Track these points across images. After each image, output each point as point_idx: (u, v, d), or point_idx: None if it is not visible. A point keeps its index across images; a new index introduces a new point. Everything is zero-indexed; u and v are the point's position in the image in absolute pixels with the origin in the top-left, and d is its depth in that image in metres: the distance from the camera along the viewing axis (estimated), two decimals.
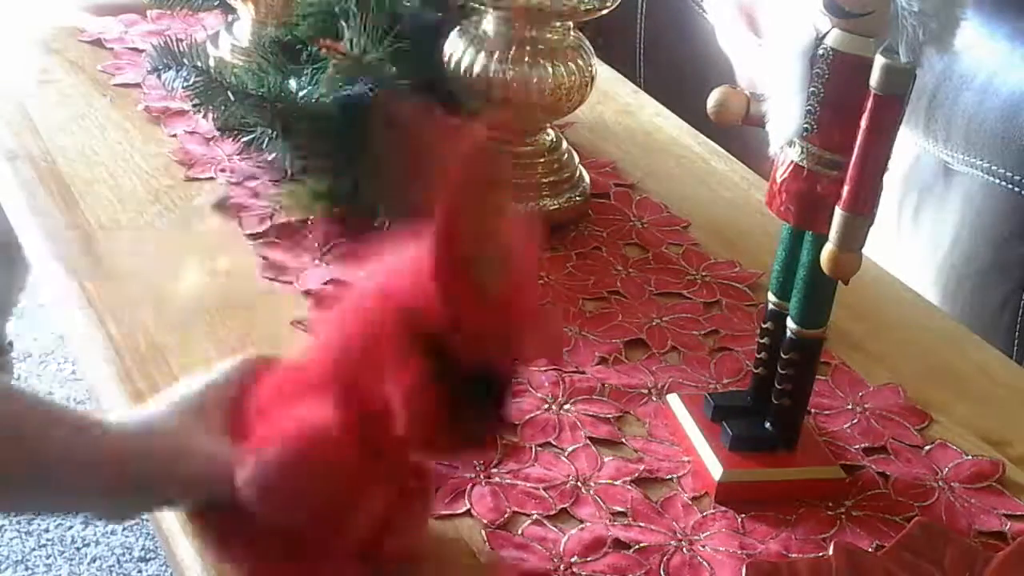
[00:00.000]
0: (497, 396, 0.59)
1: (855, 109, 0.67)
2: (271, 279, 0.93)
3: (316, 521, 0.61)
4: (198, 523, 0.65)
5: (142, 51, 1.21)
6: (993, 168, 1.20)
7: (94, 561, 1.54)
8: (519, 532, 0.72)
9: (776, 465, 0.78)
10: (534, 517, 0.74)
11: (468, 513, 0.73)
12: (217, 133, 1.09)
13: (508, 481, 0.76)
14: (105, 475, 0.60)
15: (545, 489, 0.76)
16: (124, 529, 1.58)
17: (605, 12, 0.99)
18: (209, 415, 0.64)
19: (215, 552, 0.65)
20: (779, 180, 0.72)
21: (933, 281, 1.27)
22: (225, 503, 0.61)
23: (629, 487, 0.77)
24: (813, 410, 0.84)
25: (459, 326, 0.56)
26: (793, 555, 0.73)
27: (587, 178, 1.07)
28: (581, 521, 0.74)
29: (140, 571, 1.53)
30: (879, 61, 0.65)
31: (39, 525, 1.57)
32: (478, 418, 0.58)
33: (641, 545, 0.72)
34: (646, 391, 0.85)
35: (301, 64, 1.02)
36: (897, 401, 0.87)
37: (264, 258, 0.95)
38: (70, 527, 1.57)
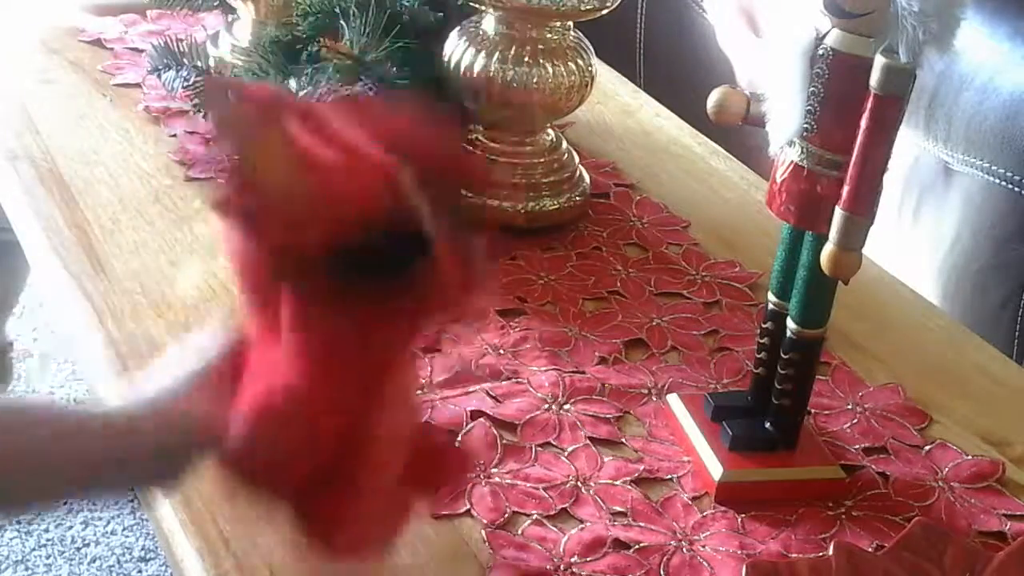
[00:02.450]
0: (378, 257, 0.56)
1: (855, 109, 0.67)
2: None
3: (318, 466, 0.59)
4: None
5: (142, 51, 1.21)
6: (993, 168, 1.20)
7: (94, 561, 1.54)
8: (519, 532, 0.72)
9: (776, 465, 0.78)
10: (534, 517, 0.74)
11: (468, 513, 0.73)
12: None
13: (508, 481, 0.76)
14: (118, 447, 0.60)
15: (545, 489, 0.76)
16: (124, 529, 1.58)
17: (605, 12, 0.99)
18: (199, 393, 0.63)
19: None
20: (779, 180, 0.72)
21: (933, 281, 1.27)
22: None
23: (629, 487, 0.77)
24: (813, 410, 0.84)
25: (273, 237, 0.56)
26: (793, 555, 0.73)
27: (587, 178, 1.07)
28: (581, 521, 0.74)
29: (140, 571, 1.53)
30: (879, 61, 0.65)
31: (39, 525, 1.57)
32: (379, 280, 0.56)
33: (641, 545, 0.72)
34: (646, 391, 0.85)
35: (301, 64, 1.02)
36: (897, 401, 0.87)
37: None
38: (70, 527, 1.57)
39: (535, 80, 0.98)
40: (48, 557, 1.54)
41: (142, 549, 1.56)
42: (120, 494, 0.68)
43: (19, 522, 1.58)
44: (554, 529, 0.73)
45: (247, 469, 0.60)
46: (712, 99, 0.74)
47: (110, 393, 0.81)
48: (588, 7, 0.98)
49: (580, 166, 1.06)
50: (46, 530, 1.57)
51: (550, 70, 0.99)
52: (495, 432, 0.79)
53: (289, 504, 0.61)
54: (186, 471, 0.62)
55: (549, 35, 0.99)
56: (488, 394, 0.83)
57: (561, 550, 0.71)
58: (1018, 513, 0.78)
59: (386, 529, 0.64)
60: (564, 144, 1.06)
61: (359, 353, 0.58)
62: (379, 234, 0.55)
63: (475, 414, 0.81)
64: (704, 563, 0.72)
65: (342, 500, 0.60)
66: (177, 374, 0.62)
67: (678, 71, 1.62)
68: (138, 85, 1.19)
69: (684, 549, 0.73)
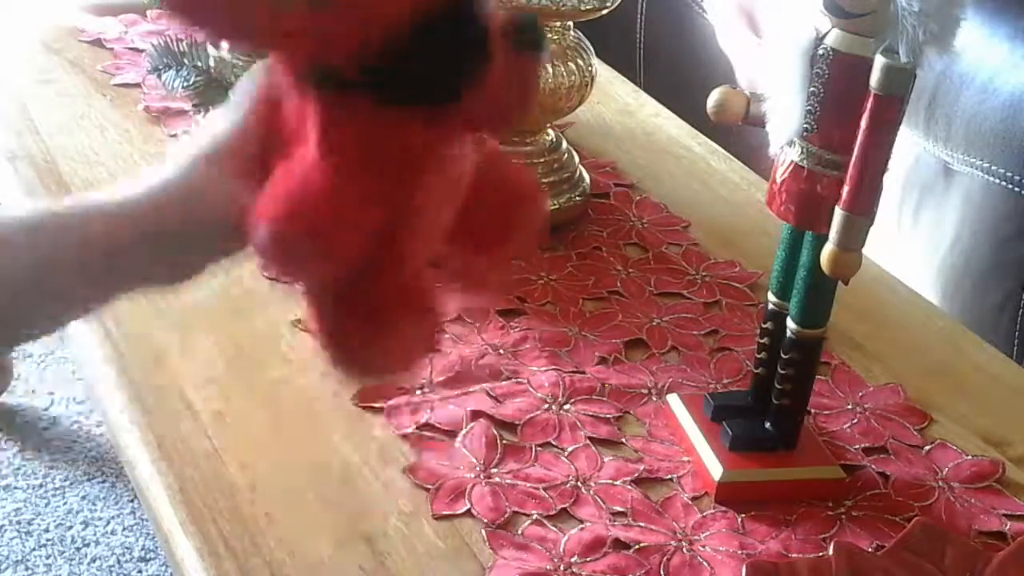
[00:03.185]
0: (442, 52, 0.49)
1: (855, 109, 0.67)
2: (271, 279, 0.93)
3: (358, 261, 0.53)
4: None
5: (142, 51, 1.21)
6: (993, 168, 1.20)
7: (94, 561, 1.54)
8: (519, 532, 0.72)
9: (776, 465, 0.78)
10: (534, 517, 0.74)
11: (468, 513, 0.73)
12: None
13: (508, 481, 0.76)
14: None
15: (545, 489, 0.76)
16: (124, 529, 1.58)
17: (605, 12, 0.99)
18: (229, 160, 0.56)
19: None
20: (779, 180, 0.72)
21: (933, 281, 1.27)
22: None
23: (629, 487, 0.77)
24: (813, 410, 0.84)
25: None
26: (793, 555, 0.73)
27: (587, 178, 1.07)
28: (581, 521, 0.74)
29: (140, 571, 1.53)
30: (879, 61, 0.65)
31: (39, 525, 1.57)
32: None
33: (641, 545, 0.72)
34: (646, 391, 0.85)
35: None
36: (897, 401, 0.87)
37: None
38: (70, 527, 1.57)
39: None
40: (48, 557, 1.54)
41: (142, 549, 1.56)
42: (132, 288, 0.59)
43: (19, 522, 1.58)
44: (554, 529, 0.73)
45: (275, 268, 0.53)
46: (712, 99, 0.74)
47: (110, 393, 0.81)
48: (588, 7, 0.98)
49: (580, 166, 1.06)
50: (46, 530, 1.57)
51: (550, 70, 0.99)
52: (495, 432, 0.79)
53: (323, 300, 0.55)
54: (208, 261, 0.58)
55: (549, 35, 0.99)
56: (488, 394, 0.83)
57: (561, 550, 0.71)
58: (1018, 513, 0.78)
59: (423, 338, 0.56)
60: (564, 144, 1.06)
61: (396, 153, 0.52)
62: (433, 30, 0.48)
63: (475, 414, 0.81)
64: (704, 563, 0.72)
65: (379, 299, 0.54)
66: (193, 151, 0.56)
67: (678, 71, 1.62)
68: (138, 85, 1.19)
69: (684, 549, 0.73)
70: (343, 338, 0.55)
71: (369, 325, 0.54)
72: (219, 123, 0.56)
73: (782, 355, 0.76)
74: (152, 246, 0.55)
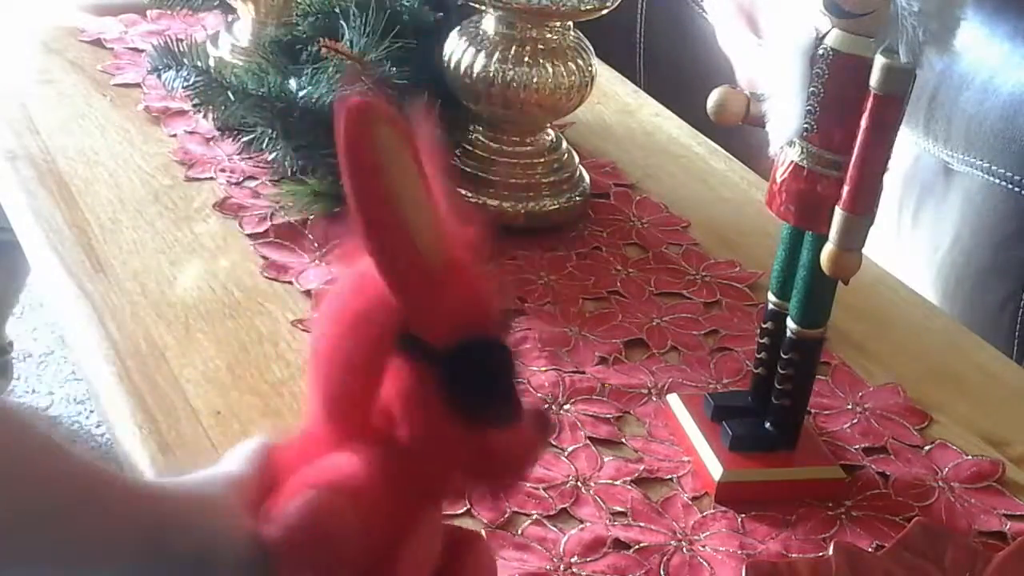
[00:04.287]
0: (494, 370, 0.53)
1: (855, 109, 0.67)
2: (271, 279, 0.93)
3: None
4: None
5: (142, 51, 1.21)
6: (993, 168, 1.20)
7: None
8: (519, 532, 0.72)
9: (776, 465, 0.78)
10: (534, 517, 0.74)
11: (468, 513, 0.73)
12: (217, 133, 1.09)
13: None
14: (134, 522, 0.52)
15: (545, 489, 0.76)
16: None
17: (605, 12, 0.99)
18: (235, 496, 0.57)
19: None
20: (779, 180, 0.72)
21: (933, 281, 1.27)
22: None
23: (629, 487, 0.77)
24: (813, 410, 0.84)
25: (414, 301, 0.51)
26: (793, 555, 0.73)
27: (587, 178, 1.07)
28: (581, 521, 0.74)
29: None
30: (879, 61, 0.65)
31: None
32: (483, 400, 0.53)
33: (641, 545, 0.72)
34: (646, 391, 0.85)
35: (301, 64, 1.02)
36: (897, 401, 0.87)
37: (264, 258, 0.95)
38: None
39: (535, 80, 0.98)
40: None
41: None
42: None
43: None
44: (554, 529, 0.73)
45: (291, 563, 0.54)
46: (712, 99, 0.74)
47: (110, 393, 0.81)
48: (588, 7, 0.98)
49: (580, 166, 1.06)
50: None
51: (550, 70, 0.99)
52: None
53: None
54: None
55: (549, 35, 0.99)
56: None
57: (561, 550, 0.71)
58: (1018, 513, 0.78)
59: None
60: (564, 144, 1.06)
61: (418, 482, 0.55)
62: (496, 342, 0.53)
63: None
64: (704, 563, 0.72)
65: None
66: (216, 474, 0.57)
67: (678, 71, 1.62)
68: (138, 85, 1.19)
69: (684, 549, 0.73)
70: None
71: None
72: (235, 469, 0.58)
73: (782, 355, 0.76)
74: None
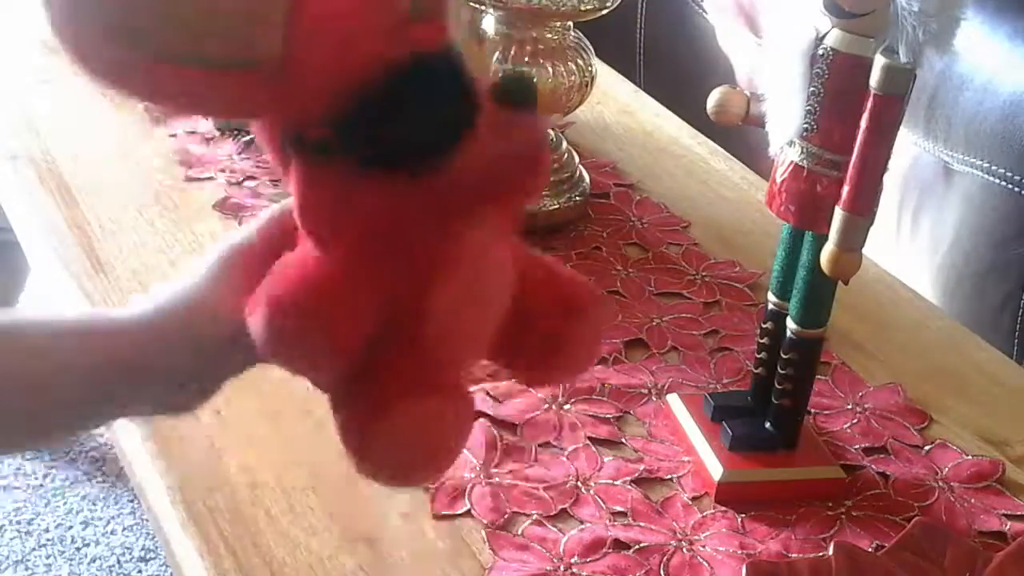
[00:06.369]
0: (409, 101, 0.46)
1: (855, 109, 0.67)
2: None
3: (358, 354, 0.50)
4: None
5: None
6: (993, 168, 1.20)
7: (94, 561, 1.54)
8: (519, 532, 0.72)
9: (776, 465, 0.78)
10: (534, 517, 0.74)
11: (468, 513, 0.73)
12: (217, 133, 1.10)
13: (508, 481, 0.76)
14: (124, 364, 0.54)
15: (545, 489, 0.76)
16: (124, 529, 1.58)
17: (605, 12, 0.99)
18: (235, 273, 0.56)
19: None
20: (779, 180, 0.72)
21: (933, 281, 1.27)
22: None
23: (629, 487, 0.77)
24: (813, 410, 0.84)
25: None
26: (793, 555, 0.73)
27: (587, 178, 1.07)
28: (581, 521, 0.74)
29: (140, 571, 1.53)
30: (879, 61, 0.65)
31: (39, 525, 1.57)
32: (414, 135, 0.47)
33: (641, 545, 0.72)
34: (646, 391, 0.85)
35: None
36: (897, 401, 0.87)
37: None
38: (70, 527, 1.57)
39: (535, 80, 0.98)
40: (48, 557, 1.54)
41: (142, 549, 1.56)
42: (144, 411, 0.59)
43: (19, 522, 1.58)
44: (554, 529, 0.73)
45: (277, 360, 0.51)
46: (712, 99, 0.74)
47: None
48: (588, 7, 0.98)
49: (580, 166, 1.06)
50: (46, 530, 1.57)
51: (550, 70, 0.99)
52: (495, 432, 0.79)
53: (335, 393, 0.52)
54: (221, 376, 0.57)
55: (549, 35, 0.99)
56: (488, 394, 0.82)
57: (561, 550, 0.71)
58: (1018, 513, 0.78)
59: (445, 436, 0.53)
60: (564, 144, 1.06)
61: (384, 225, 0.49)
62: (406, 82, 0.46)
63: (475, 414, 0.81)
64: (704, 563, 0.72)
65: (392, 392, 0.51)
66: (204, 265, 0.56)
67: (678, 71, 1.62)
68: None
69: (684, 549, 0.73)
70: (357, 432, 0.52)
71: (381, 419, 0.51)
72: (233, 239, 0.57)
73: (782, 355, 0.76)
74: (160, 358, 0.55)
